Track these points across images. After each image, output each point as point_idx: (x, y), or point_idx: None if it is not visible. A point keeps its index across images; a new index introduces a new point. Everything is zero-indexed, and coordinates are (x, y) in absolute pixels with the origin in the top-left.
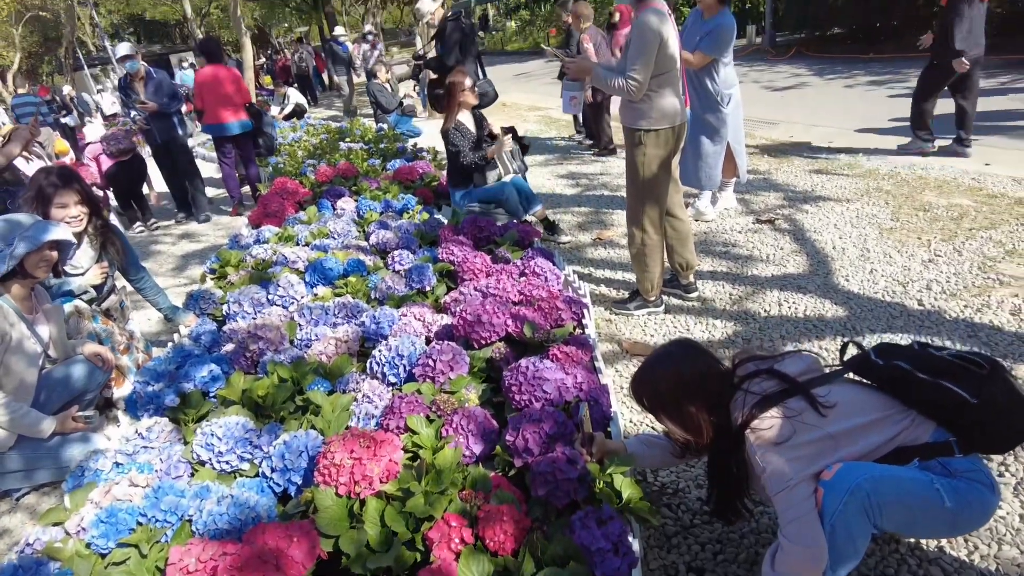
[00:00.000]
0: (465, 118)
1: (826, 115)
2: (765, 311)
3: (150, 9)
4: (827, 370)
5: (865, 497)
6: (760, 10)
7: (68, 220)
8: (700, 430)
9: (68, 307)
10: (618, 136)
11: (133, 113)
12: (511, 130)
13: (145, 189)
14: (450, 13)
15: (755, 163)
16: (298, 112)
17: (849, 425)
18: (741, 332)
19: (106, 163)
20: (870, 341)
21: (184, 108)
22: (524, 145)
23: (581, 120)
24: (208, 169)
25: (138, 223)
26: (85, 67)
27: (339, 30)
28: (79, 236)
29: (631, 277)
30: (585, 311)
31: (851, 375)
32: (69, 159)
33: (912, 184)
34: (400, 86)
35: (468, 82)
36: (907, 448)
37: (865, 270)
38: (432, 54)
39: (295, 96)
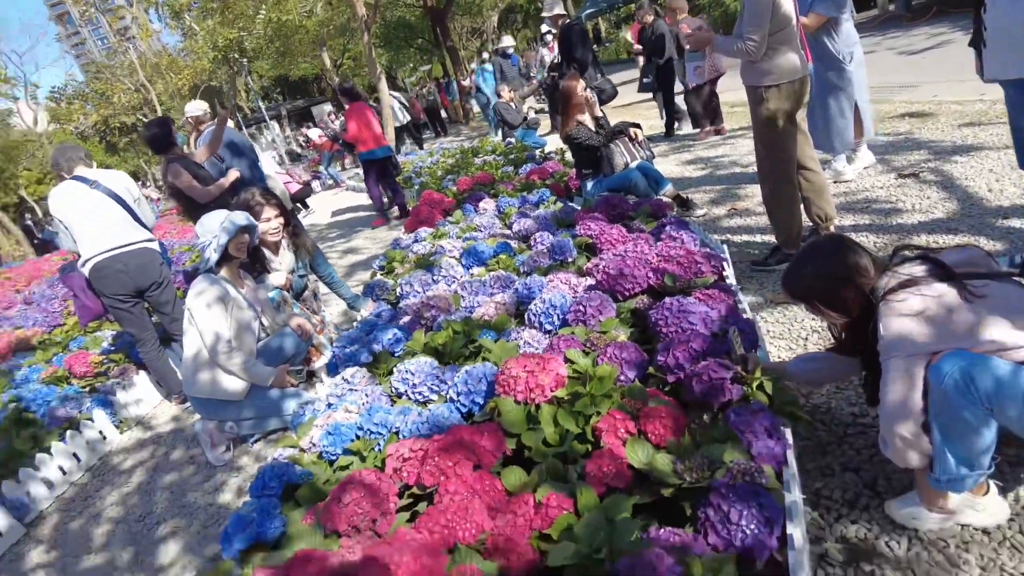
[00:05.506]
0: (583, 119)
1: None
2: None
3: (293, 69)
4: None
5: (966, 378)
6: None
7: (272, 231)
8: (848, 309)
9: (276, 296)
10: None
11: None
12: (637, 126)
13: None
14: (568, 21)
15: (894, 125)
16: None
17: (995, 317)
18: None
19: None
20: None
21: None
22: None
23: (668, 109)
24: (360, 198)
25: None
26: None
27: (507, 40)
28: (278, 243)
29: (771, 240)
30: (725, 263)
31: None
32: None
33: None
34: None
35: (581, 85)
36: None
37: None
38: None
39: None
